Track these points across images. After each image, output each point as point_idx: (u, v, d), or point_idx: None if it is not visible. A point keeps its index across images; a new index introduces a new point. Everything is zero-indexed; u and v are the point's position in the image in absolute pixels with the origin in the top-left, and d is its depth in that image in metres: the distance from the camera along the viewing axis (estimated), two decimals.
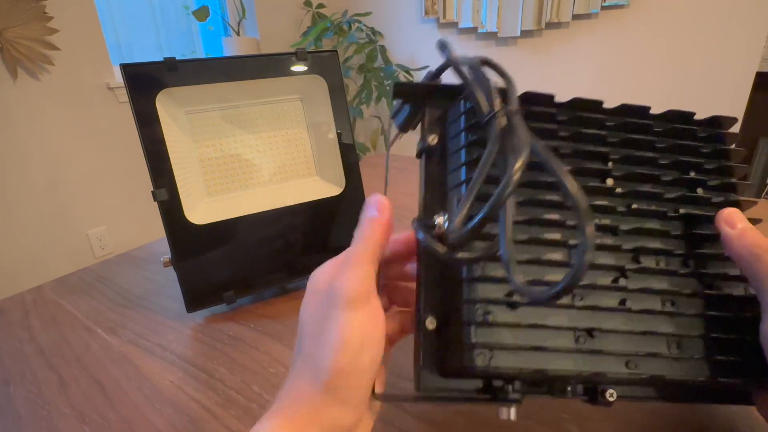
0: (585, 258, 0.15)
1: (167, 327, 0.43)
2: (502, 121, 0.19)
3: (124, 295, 0.49)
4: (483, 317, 0.20)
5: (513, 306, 0.21)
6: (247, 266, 0.45)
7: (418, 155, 0.25)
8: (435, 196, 0.24)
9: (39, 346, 0.41)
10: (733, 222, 0.22)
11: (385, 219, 0.23)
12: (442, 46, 0.24)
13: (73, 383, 0.36)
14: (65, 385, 0.36)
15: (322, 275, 0.23)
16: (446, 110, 0.26)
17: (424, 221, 0.22)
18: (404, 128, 0.28)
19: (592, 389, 0.22)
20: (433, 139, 0.25)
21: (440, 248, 0.20)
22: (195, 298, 0.43)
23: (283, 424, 0.19)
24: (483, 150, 0.20)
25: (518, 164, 0.17)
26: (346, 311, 0.20)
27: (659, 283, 0.23)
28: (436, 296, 0.23)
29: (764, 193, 1.74)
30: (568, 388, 0.22)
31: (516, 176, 0.16)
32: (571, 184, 0.16)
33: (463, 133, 0.23)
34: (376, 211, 0.23)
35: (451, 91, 0.25)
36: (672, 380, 0.22)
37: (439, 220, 0.21)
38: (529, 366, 0.20)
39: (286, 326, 0.42)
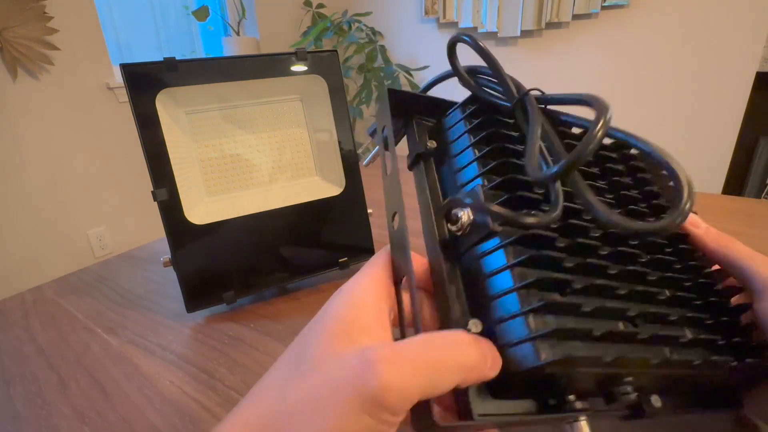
0: (689, 196, 0.17)
1: (167, 327, 0.43)
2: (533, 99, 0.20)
3: (124, 295, 0.49)
4: (540, 303, 0.17)
5: (563, 292, 0.19)
6: (247, 266, 0.45)
7: (414, 163, 0.25)
8: (439, 199, 0.24)
9: (39, 346, 0.41)
10: (697, 223, 0.25)
11: (483, 373, 0.17)
12: (453, 45, 0.25)
13: (72, 383, 0.36)
14: (65, 385, 0.36)
15: (358, 316, 0.18)
16: (440, 120, 0.26)
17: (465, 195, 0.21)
18: (386, 145, 0.28)
19: (637, 405, 0.20)
20: (431, 144, 0.25)
21: (510, 214, 0.18)
22: (195, 298, 0.43)
23: None
24: (488, 146, 0.22)
25: (605, 115, 0.17)
26: (364, 416, 0.15)
27: (666, 272, 0.23)
28: (465, 298, 0.20)
29: (764, 193, 1.74)
30: (628, 389, 0.20)
31: (603, 124, 0.17)
32: (655, 145, 0.18)
33: (467, 134, 0.24)
34: (482, 360, 0.17)
35: (440, 105, 0.27)
36: (713, 362, 0.21)
37: (462, 214, 0.20)
38: (604, 354, 0.17)
39: (286, 326, 0.42)
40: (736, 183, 1.78)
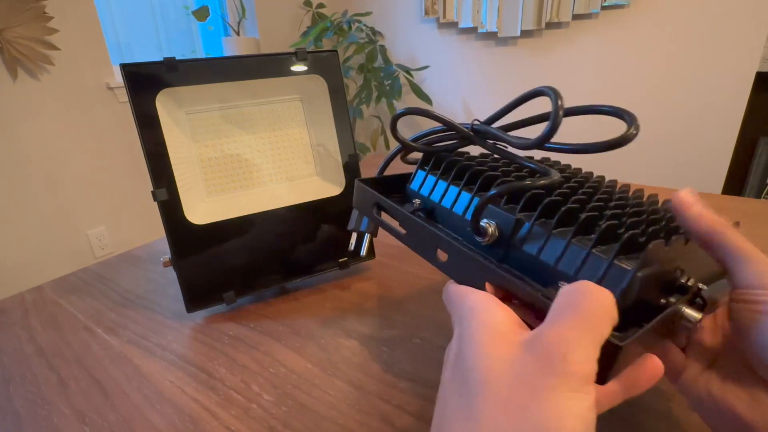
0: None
1: (167, 327, 0.43)
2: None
3: (124, 295, 0.49)
4: (596, 235, 0.21)
5: (597, 225, 0.22)
6: (247, 266, 0.45)
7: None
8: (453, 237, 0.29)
9: (39, 346, 0.41)
10: (688, 204, 0.23)
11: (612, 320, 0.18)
12: (395, 121, 0.33)
13: (72, 383, 0.36)
14: (65, 385, 0.36)
15: (500, 314, 0.19)
16: (405, 189, 0.33)
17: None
18: (374, 231, 0.35)
19: (697, 293, 0.23)
20: (417, 202, 0.31)
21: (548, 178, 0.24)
22: (195, 298, 0.43)
23: None
24: (461, 180, 0.29)
25: (561, 99, 0.23)
26: (577, 393, 0.15)
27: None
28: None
29: (764, 193, 1.74)
30: (687, 277, 0.22)
31: (561, 104, 0.23)
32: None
33: (440, 180, 0.30)
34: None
35: (399, 179, 0.35)
36: None
37: (488, 225, 0.24)
38: (662, 245, 0.20)
39: (286, 326, 0.42)
40: (736, 183, 1.78)
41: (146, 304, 0.47)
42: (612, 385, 0.19)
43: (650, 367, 0.19)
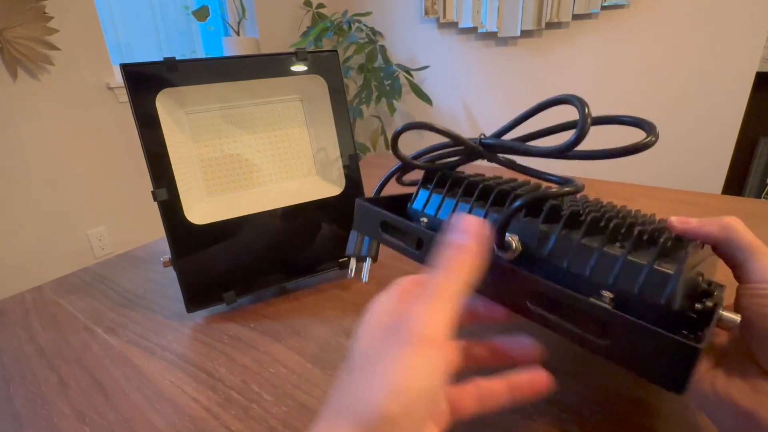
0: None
1: (167, 327, 0.43)
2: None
3: (124, 295, 0.49)
4: (631, 240, 0.21)
5: (624, 233, 0.22)
6: (247, 266, 0.45)
7: (419, 248, 0.29)
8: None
9: (39, 346, 0.41)
10: (685, 220, 0.24)
11: (479, 249, 0.20)
12: (396, 138, 0.31)
13: (73, 383, 0.36)
14: (65, 385, 0.36)
15: (387, 304, 0.21)
16: (407, 208, 0.32)
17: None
18: (375, 255, 0.34)
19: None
20: (424, 221, 0.31)
21: (559, 190, 0.23)
22: (195, 298, 0.43)
23: None
24: (470, 197, 0.29)
25: (587, 106, 0.22)
26: (413, 349, 0.17)
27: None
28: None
29: (764, 193, 1.74)
30: (708, 281, 0.23)
31: (588, 112, 0.22)
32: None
33: (447, 198, 0.30)
34: (467, 236, 0.20)
35: (397, 199, 0.33)
36: None
37: (511, 239, 0.24)
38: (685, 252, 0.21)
39: (286, 326, 0.42)
40: (736, 183, 1.78)
41: (146, 304, 0.47)
42: (498, 384, 0.21)
43: (537, 378, 0.21)
